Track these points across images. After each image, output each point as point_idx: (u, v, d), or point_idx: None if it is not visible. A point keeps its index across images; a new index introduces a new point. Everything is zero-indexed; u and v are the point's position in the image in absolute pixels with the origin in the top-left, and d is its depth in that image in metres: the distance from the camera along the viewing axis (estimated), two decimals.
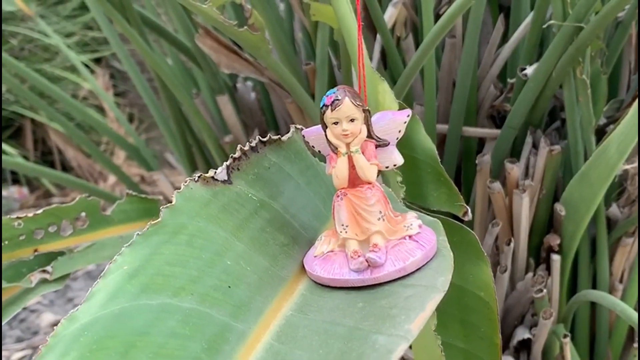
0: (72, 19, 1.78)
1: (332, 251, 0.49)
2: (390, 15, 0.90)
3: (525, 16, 0.89)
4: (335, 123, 0.48)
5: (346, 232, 0.49)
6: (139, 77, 1.09)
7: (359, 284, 0.47)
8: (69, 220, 0.76)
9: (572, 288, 0.91)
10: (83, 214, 0.78)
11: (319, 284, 0.48)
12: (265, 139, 0.53)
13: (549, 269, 0.87)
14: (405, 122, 0.51)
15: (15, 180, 1.68)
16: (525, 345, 0.89)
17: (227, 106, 1.00)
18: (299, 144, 0.56)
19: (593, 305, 0.91)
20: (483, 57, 0.91)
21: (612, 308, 0.81)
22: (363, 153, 0.49)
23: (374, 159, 0.50)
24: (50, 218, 0.76)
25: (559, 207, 0.84)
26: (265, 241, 0.49)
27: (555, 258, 0.86)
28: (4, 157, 1.08)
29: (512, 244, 0.85)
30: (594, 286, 0.90)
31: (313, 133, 0.52)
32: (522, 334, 0.87)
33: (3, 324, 0.70)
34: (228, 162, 0.50)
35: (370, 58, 0.91)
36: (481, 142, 0.92)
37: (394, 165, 0.52)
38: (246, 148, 0.52)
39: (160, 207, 0.45)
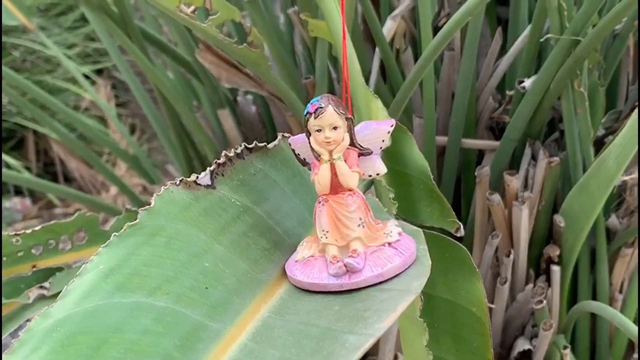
0: (74, 30, 1.79)
1: (312, 256, 0.50)
2: (389, 28, 0.91)
3: (523, 29, 0.89)
4: (319, 130, 0.49)
5: (326, 237, 0.50)
6: (139, 89, 1.10)
7: (337, 288, 0.48)
8: (67, 237, 0.77)
9: (572, 299, 0.91)
10: (82, 230, 0.79)
11: (299, 288, 0.49)
12: (251, 146, 0.54)
13: (548, 280, 0.88)
14: (388, 132, 0.52)
15: (18, 192, 1.69)
16: (526, 356, 0.89)
17: (228, 120, 1.00)
18: (286, 152, 0.56)
19: (593, 315, 0.92)
20: (481, 69, 0.91)
21: (611, 320, 0.81)
22: (345, 161, 0.50)
23: (355, 167, 0.51)
24: (49, 234, 0.77)
25: (559, 219, 0.85)
26: (247, 245, 0.50)
27: (555, 269, 0.86)
28: (7, 171, 1.09)
29: (512, 256, 0.86)
30: (594, 297, 0.90)
31: (299, 141, 0.53)
32: (522, 345, 0.88)
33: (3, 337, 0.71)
34: (212, 167, 0.51)
35: (370, 71, 0.92)
36: (480, 154, 0.93)
37: (377, 174, 0.53)
38: (231, 154, 0.52)
39: (139, 210, 0.46)
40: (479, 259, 0.88)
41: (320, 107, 0.48)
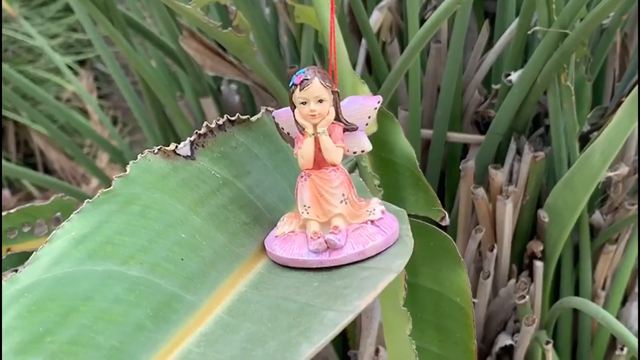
0: (56, 20, 1.77)
1: (293, 232, 0.49)
2: (375, 19, 0.90)
3: (511, 22, 0.89)
4: (304, 103, 0.48)
5: (308, 213, 0.49)
6: (123, 79, 1.09)
7: (316, 265, 0.47)
8: (43, 220, 0.76)
9: (554, 295, 0.90)
10: (58, 214, 0.77)
11: (278, 264, 0.48)
12: (233, 118, 0.53)
13: (531, 276, 0.87)
14: (375, 108, 0.51)
15: None
16: (507, 351, 0.88)
17: (211, 109, 0.99)
18: (269, 126, 0.55)
19: (575, 312, 0.91)
20: (468, 62, 0.91)
21: (594, 315, 0.81)
22: (330, 135, 0.49)
23: (340, 142, 0.50)
24: (25, 217, 0.76)
25: (543, 214, 0.84)
26: (226, 218, 0.49)
27: (538, 264, 0.86)
28: None
29: (495, 250, 0.85)
30: (577, 293, 0.90)
31: (283, 114, 0.52)
32: (504, 340, 0.87)
33: None
34: (192, 138, 0.49)
35: (355, 62, 0.91)
36: (465, 147, 0.92)
37: (362, 151, 0.52)
38: (213, 126, 0.51)
39: (114, 177, 0.45)
40: (462, 253, 0.87)
41: (306, 79, 0.47)
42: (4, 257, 0.73)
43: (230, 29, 0.74)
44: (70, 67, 1.72)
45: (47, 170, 1.71)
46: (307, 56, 0.89)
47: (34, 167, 1.71)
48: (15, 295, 0.38)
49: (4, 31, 1.68)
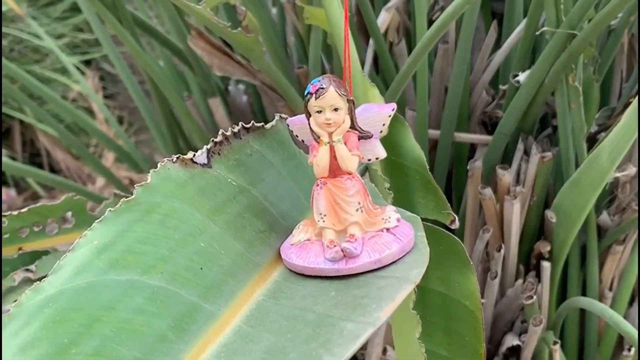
0: (63, 20, 1.77)
1: (308, 240, 0.49)
2: (383, 20, 0.90)
3: (518, 23, 0.89)
4: (319, 112, 0.48)
5: (324, 221, 0.49)
6: (130, 78, 1.09)
7: (333, 273, 0.47)
8: (54, 220, 0.76)
9: (561, 295, 0.91)
10: (69, 213, 0.78)
11: (294, 272, 0.49)
12: (248, 126, 0.53)
13: (538, 276, 0.88)
14: (389, 116, 0.51)
15: (3, 182, 1.67)
16: (514, 352, 0.89)
17: (219, 109, 1.00)
18: (283, 133, 0.55)
19: (582, 312, 0.91)
20: (475, 63, 0.91)
21: (601, 315, 0.81)
22: (345, 143, 0.49)
23: (355, 150, 0.50)
24: (36, 217, 0.76)
25: (550, 214, 0.85)
26: (242, 226, 0.49)
27: (546, 265, 0.86)
28: None
29: (502, 250, 0.85)
30: (584, 293, 0.90)
31: (297, 122, 0.52)
32: (511, 340, 0.87)
33: None
34: (209, 146, 0.50)
35: (363, 63, 0.91)
36: (472, 148, 0.92)
37: (377, 158, 0.52)
38: (228, 133, 0.51)
39: (135, 185, 0.45)
40: (469, 253, 0.87)
41: (322, 88, 0.48)
42: (15, 256, 0.73)
43: (239, 29, 0.74)
44: (76, 67, 1.72)
45: (53, 170, 1.71)
46: (315, 57, 0.90)
47: (39, 166, 1.72)
48: (40, 305, 0.38)
49: (10, 31, 1.69)
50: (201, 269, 0.44)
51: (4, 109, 1.65)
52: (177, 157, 0.47)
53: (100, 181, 1.63)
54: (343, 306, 0.44)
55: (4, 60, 1.07)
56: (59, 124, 1.19)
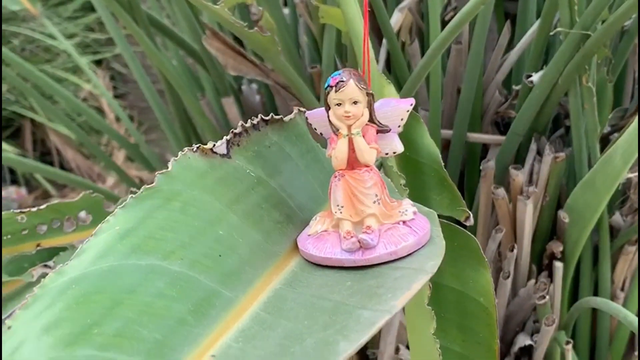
0: (74, 20, 1.78)
1: (325, 231, 0.50)
2: (396, 20, 0.90)
3: (532, 23, 0.89)
4: (339, 104, 0.49)
5: (341, 212, 0.49)
6: (143, 77, 1.09)
7: (349, 264, 0.48)
8: (72, 217, 0.76)
9: (572, 295, 0.91)
10: (84, 212, 0.78)
11: (311, 263, 0.49)
12: (267, 118, 0.53)
13: (551, 276, 0.88)
14: (408, 111, 0.51)
15: (14, 181, 1.68)
16: (527, 351, 0.89)
17: (232, 108, 1.00)
18: (301, 126, 0.56)
19: (594, 312, 0.91)
20: (489, 63, 0.91)
21: (615, 315, 0.81)
22: (364, 136, 0.49)
23: (374, 143, 0.50)
24: (54, 213, 0.76)
25: (563, 214, 0.85)
26: (260, 217, 0.49)
27: (558, 265, 0.86)
28: (7, 155, 1.08)
29: (515, 250, 0.85)
30: (596, 294, 0.90)
31: (316, 115, 0.52)
32: (523, 340, 0.87)
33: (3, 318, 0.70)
34: (228, 137, 0.50)
35: (377, 62, 0.92)
36: (485, 148, 0.92)
37: (394, 153, 0.52)
38: (247, 125, 0.52)
39: (156, 173, 0.45)
40: None
41: (342, 81, 0.48)
42: (33, 252, 0.74)
43: (255, 29, 0.75)
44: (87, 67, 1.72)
45: (64, 168, 1.72)
46: (329, 56, 0.90)
47: (50, 165, 1.72)
48: (64, 287, 0.39)
49: (22, 30, 1.69)
50: (220, 256, 0.44)
51: (15, 108, 1.66)
52: (198, 147, 0.47)
53: (110, 181, 1.63)
54: (359, 295, 0.44)
55: (18, 59, 1.07)
56: (70, 123, 1.20)
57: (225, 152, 0.49)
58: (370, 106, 0.49)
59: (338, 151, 0.49)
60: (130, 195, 0.43)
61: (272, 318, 0.43)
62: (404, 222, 0.50)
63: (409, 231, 0.49)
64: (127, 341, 0.37)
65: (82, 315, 0.37)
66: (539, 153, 0.87)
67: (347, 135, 0.49)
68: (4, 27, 1.67)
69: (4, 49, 1.04)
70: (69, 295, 0.38)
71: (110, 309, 0.38)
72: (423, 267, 0.47)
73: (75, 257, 0.40)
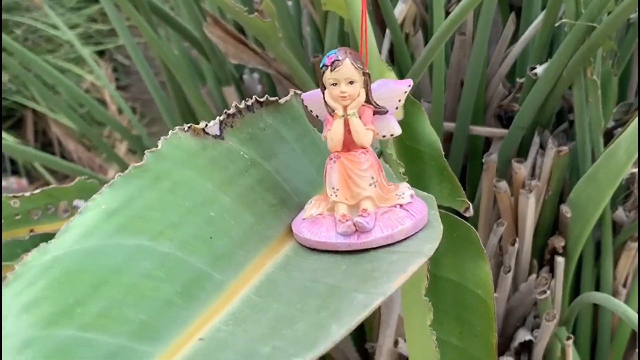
0: (77, 11, 1.78)
1: (321, 214, 0.48)
2: (400, 11, 0.89)
3: (536, 15, 0.88)
4: (334, 84, 0.47)
5: (336, 195, 0.48)
6: (146, 68, 1.09)
7: (345, 248, 0.47)
8: (66, 202, 0.75)
9: (574, 291, 0.90)
10: (75, 201, 0.77)
11: (305, 247, 0.48)
12: (262, 100, 0.52)
13: (552, 271, 0.87)
14: (405, 92, 0.50)
15: (15, 171, 1.67)
16: (527, 347, 0.88)
17: (234, 97, 0.99)
18: (297, 109, 0.55)
19: (595, 308, 0.90)
20: (492, 55, 0.90)
21: (615, 311, 0.80)
22: (360, 118, 0.48)
23: (370, 125, 0.49)
24: (48, 199, 0.75)
25: (565, 209, 0.83)
26: (254, 199, 0.48)
27: (560, 260, 0.85)
28: (8, 144, 1.08)
29: (516, 245, 0.84)
30: (597, 289, 0.89)
31: (312, 96, 0.51)
32: (523, 335, 0.86)
33: None
34: (221, 118, 0.49)
35: (379, 53, 0.91)
36: (487, 141, 0.91)
37: (391, 135, 0.51)
38: (242, 106, 0.51)
39: (145, 151, 0.44)
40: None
41: (337, 60, 0.47)
42: (27, 237, 0.73)
43: (256, 14, 0.74)
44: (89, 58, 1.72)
45: (65, 160, 1.72)
46: (331, 45, 0.89)
47: (52, 156, 1.72)
48: (46, 265, 0.38)
49: (25, 20, 1.69)
50: (211, 238, 0.43)
51: (18, 98, 1.65)
52: (189, 127, 0.46)
53: (112, 173, 1.63)
54: (354, 279, 0.43)
55: (20, 48, 1.06)
56: (72, 113, 1.19)
57: (217, 132, 0.48)
58: (367, 86, 0.48)
59: (333, 132, 0.48)
60: (117, 174, 0.42)
61: (264, 301, 0.42)
62: (400, 205, 0.48)
63: (405, 215, 0.48)
64: (112, 322, 0.36)
65: (65, 294, 0.36)
66: (542, 147, 0.86)
67: (343, 116, 0.48)
68: (7, 16, 1.66)
69: (6, 38, 1.04)
70: (51, 274, 0.37)
71: (94, 289, 0.37)
72: (420, 250, 0.46)
73: (59, 235, 0.39)
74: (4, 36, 1.04)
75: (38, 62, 1.09)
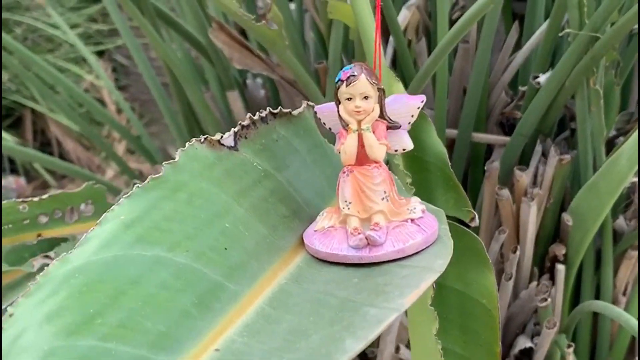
0: (77, 10, 1.77)
1: (332, 227, 0.49)
2: (403, 17, 0.90)
3: (539, 24, 0.88)
4: (349, 99, 0.48)
5: (349, 208, 0.48)
6: (148, 69, 1.09)
7: (356, 260, 0.47)
8: (75, 207, 0.76)
9: (574, 299, 0.90)
10: (89, 201, 0.78)
11: (317, 259, 0.48)
12: (275, 111, 0.53)
13: (553, 279, 0.87)
14: (418, 108, 0.51)
15: (13, 170, 1.67)
16: (527, 354, 0.88)
17: (237, 102, 0.99)
18: (309, 121, 0.55)
19: (595, 317, 0.91)
20: (495, 63, 0.91)
21: (616, 319, 0.81)
22: (374, 132, 0.49)
23: (383, 139, 0.49)
24: (56, 204, 0.76)
25: (566, 217, 0.84)
26: (266, 210, 0.49)
27: (560, 268, 0.85)
28: (8, 144, 1.08)
29: (517, 252, 0.85)
30: (597, 298, 0.90)
31: (325, 110, 0.52)
32: (523, 342, 0.87)
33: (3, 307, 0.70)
34: (236, 129, 0.49)
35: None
36: (489, 148, 0.92)
37: (404, 150, 0.52)
38: (256, 118, 0.51)
39: (163, 163, 0.45)
40: None
41: (353, 75, 0.47)
42: (34, 242, 0.73)
43: (263, 22, 0.74)
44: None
45: (64, 159, 1.72)
46: (335, 52, 0.89)
47: (50, 156, 1.72)
48: (67, 275, 0.38)
49: (25, 19, 1.69)
50: (226, 249, 0.44)
51: (16, 97, 1.65)
52: (205, 138, 0.47)
53: (110, 173, 1.63)
54: (366, 292, 0.43)
55: (20, 47, 1.06)
56: (72, 113, 1.19)
57: (232, 144, 0.49)
58: (381, 102, 0.49)
59: (347, 146, 0.49)
60: (136, 185, 0.42)
61: (277, 313, 0.42)
62: (412, 220, 0.49)
63: (417, 229, 0.48)
64: (131, 332, 0.37)
65: (85, 304, 0.37)
66: (544, 155, 0.87)
67: (357, 130, 0.48)
68: (7, 15, 1.66)
69: (6, 37, 1.04)
70: (72, 284, 0.38)
71: (113, 299, 0.38)
72: (431, 265, 0.46)
73: (79, 245, 0.39)
74: (4, 35, 1.04)
75: (38, 62, 1.09)
